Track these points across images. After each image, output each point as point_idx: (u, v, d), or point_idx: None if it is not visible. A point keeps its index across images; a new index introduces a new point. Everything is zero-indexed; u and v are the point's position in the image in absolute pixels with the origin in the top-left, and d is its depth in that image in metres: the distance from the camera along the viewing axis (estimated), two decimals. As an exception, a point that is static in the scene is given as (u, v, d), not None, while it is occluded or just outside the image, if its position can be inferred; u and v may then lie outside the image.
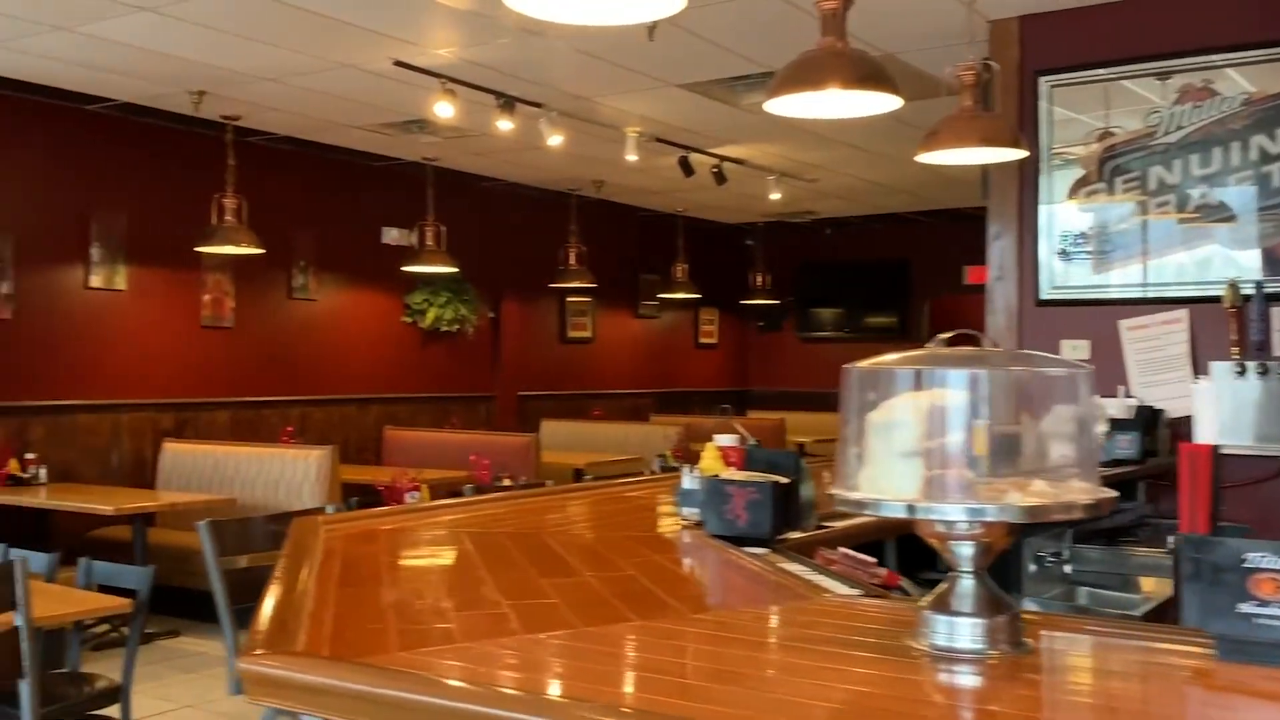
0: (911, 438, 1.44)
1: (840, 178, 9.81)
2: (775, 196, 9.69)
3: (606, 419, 11.21)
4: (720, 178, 8.74)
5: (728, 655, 1.47)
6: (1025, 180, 5.22)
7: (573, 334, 11.60)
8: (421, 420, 9.87)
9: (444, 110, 6.43)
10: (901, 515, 1.44)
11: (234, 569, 3.03)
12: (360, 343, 9.38)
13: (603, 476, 8.96)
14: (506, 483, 5.81)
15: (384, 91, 6.80)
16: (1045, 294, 5.17)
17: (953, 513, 1.42)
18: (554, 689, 1.34)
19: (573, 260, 10.57)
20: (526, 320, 11.02)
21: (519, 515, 2.68)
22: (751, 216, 12.66)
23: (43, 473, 6.92)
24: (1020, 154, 4.26)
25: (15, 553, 4.18)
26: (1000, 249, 5.29)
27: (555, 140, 7.21)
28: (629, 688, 1.34)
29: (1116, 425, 4.40)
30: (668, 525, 2.55)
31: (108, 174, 7.58)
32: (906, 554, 2.69)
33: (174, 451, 7.69)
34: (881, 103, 3.52)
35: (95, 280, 7.47)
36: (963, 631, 1.45)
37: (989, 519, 1.42)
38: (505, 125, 6.83)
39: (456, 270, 9.27)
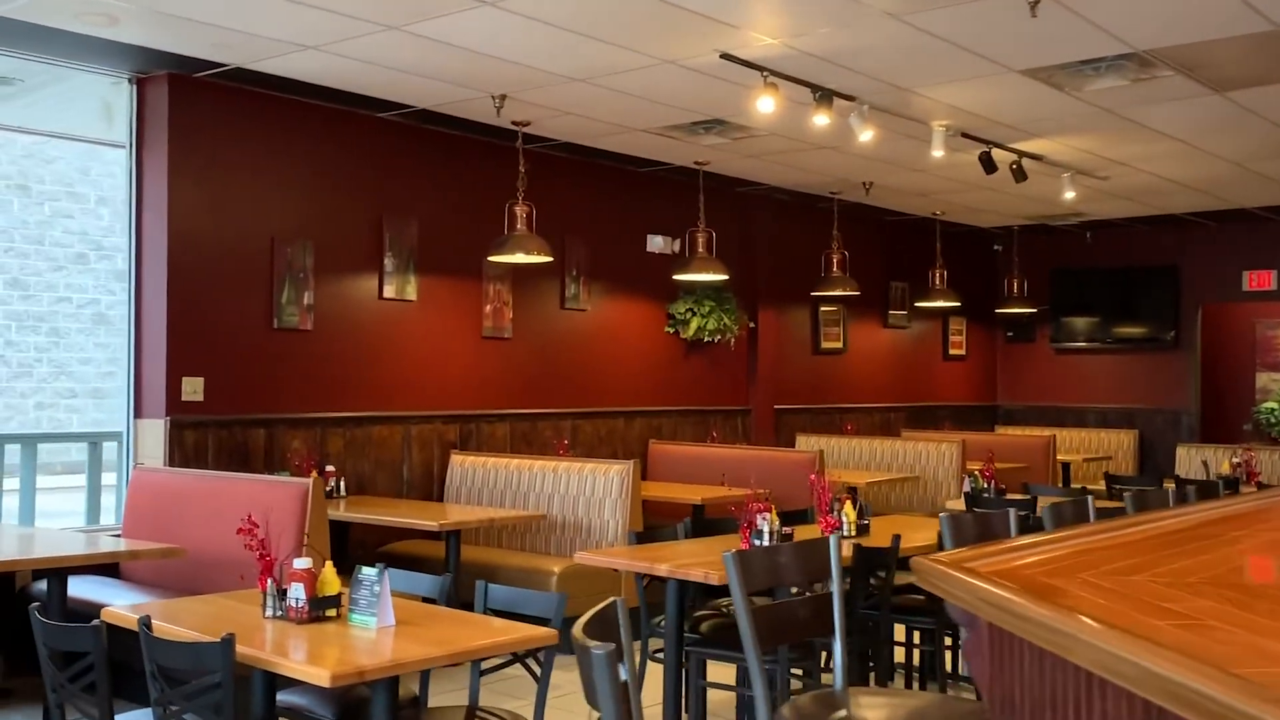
0: None
1: (1138, 175, 9.04)
2: (1069, 195, 9.00)
3: (857, 434, 10.68)
4: (1020, 174, 8.12)
5: None
6: None
7: (825, 345, 11.10)
8: (683, 434, 9.53)
9: (765, 105, 6.04)
10: None
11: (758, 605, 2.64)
12: (626, 354, 9.10)
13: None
14: (848, 511, 5.32)
15: (697, 89, 6.45)
16: None
17: None
18: None
19: (835, 267, 10.09)
20: (781, 330, 10.58)
21: (1175, 556, 2.19)
22: (1007, 220, 11.93)
23: (341, 485, 6.81)
24: None
25: (411, 576, 3.93)
26: None
27: (866, 136, 6.76)
28: None
29: None
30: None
31: (399, 182, 7.48)
32: None
33: (462, 464, 7.52)
34: None
35: (389, 290, 7.36)
36: None
37: None
38: (822, 120, 6.40)
39: (726, 278, 8.90)
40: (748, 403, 10.20)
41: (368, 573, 3.37)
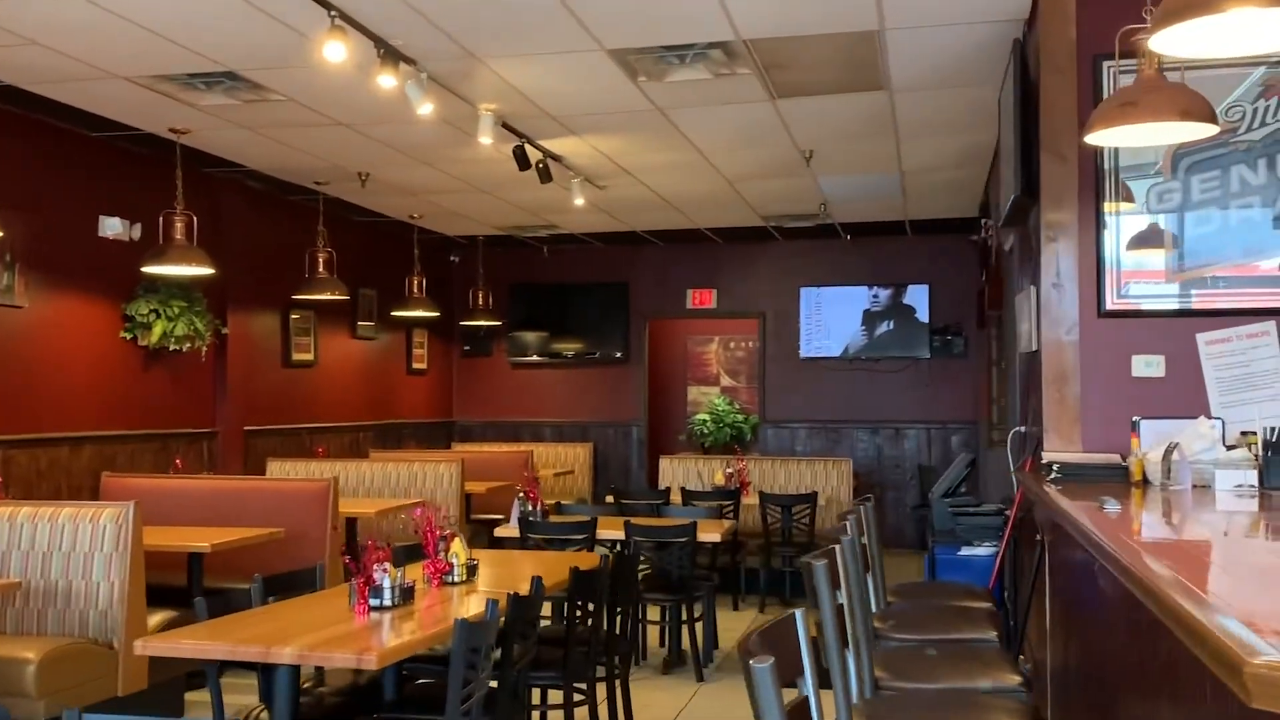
0: None
1: (633, 188, 8.92)
2: (579, 202, 8.66)
3: (330, 456, 9.55)
4: (546, 174, 7.60)
5: None
6: (1084, 178, 4.69)
7: (296, 356, 9.80)
8: (142, 463, 7.80)
9: (335, 53, 4.86)
10: None
11: None
12: (73, 364, 7.22)
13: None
14: (458, 551, 4.35)
15: (235, 24, 5.07)
16: (1110, 305, 4.66)
17: None
18: None
19: (321, 267, 8.90)
20: (252, 339, 9.14)
21: None
22: (480, 229, 11.45)
23: None
24: (1213, 129, 3.67)
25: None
26: (1056, 253, 4.71)
27: (426, 109, 5.79)
28: None
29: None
30: None
31: None
32: None
33: None
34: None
35: None
36: None
37: None
38: (388, 82, 5.35)
39: (213, 271, 7.39)
40: (214, 424, 8.65)
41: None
